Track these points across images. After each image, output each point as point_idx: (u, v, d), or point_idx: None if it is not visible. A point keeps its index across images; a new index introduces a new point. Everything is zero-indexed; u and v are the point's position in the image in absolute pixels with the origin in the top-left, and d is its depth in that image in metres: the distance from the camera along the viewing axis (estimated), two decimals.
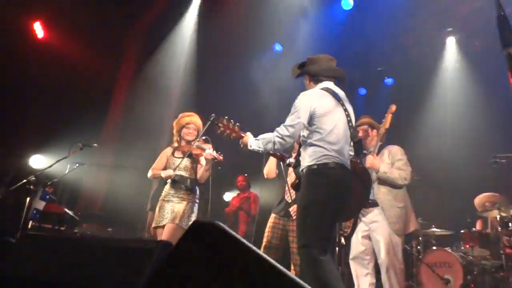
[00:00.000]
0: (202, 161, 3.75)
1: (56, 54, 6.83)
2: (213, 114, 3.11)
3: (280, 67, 8.12)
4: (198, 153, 3.71)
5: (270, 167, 3.75)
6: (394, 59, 7.92)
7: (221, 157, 3.61)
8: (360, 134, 3.70)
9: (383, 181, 3.48)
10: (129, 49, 8.25)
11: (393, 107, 3.60)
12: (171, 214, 3.63)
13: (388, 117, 3.56)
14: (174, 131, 3.99)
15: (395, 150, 3.63)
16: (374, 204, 3.47)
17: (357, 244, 3.51)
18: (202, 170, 3.74)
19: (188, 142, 3.88)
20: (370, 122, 3.75)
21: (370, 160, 3.44)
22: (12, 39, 6.41)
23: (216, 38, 8.03)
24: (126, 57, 8.20)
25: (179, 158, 3.79)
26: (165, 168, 3.86)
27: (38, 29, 6.87)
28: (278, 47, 8.31)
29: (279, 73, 8.04)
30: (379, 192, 3.47)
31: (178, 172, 3.75)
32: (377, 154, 3.59)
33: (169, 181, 3.80)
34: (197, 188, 3.83)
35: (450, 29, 7.32)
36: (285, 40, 8.15)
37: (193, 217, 3.68)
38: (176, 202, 3.69)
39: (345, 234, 3.56)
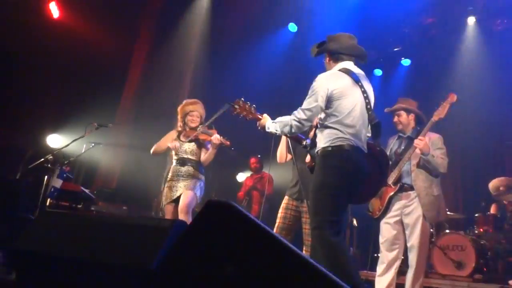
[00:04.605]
0: (207, 146, 3.97)
1: (72, 34, 6.86)
2: (227, 103, 3.13)
3: (295, 48, 8.03)
4: (204, 138, 3.88)
5: (281, 152, 3.70)
6: (412, 40, 7.72)
7: (227, 142, 3.77)
8: (395, 119, 3.63)
9: (423, 168, 3.43)
10: (143, 29, 8.21)
11: (454, 97, 3.46)
12: (183, 187, 3.83)
13: (446, 107, 3.43)
14: (179, 117, 4.14)
15: (436, 139, 3.54)
16: (411, 188, 3.44)
17: (388, 228, 3.49)
18: (207, 155, 3.94)
19: (192, 128, 4.00)
20: (405, 107, 3.60)
21: (422, 143, 3.33)
22: (27, 19, 6.44)
23: (230, 18, 7.94)
24: (140, 37, 8.19)
25: (184, 142, 3.95)
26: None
27: (54, 9, 6.88)
28: (292, 28, 8.16)
29: (294, 53, 7.95)
30: (418, 179, 3.42)
31: (184, 156, 3.95)
32: None
33: (174, 163, 3.99)
34: (203, 168, 4.02)
35: (470, 8, 7.08)
36: (300, 20, 8.01)
37: (198, 192, 3.87)
38: (185, 178, 3.88)
39: (375, 217, 3.56)
